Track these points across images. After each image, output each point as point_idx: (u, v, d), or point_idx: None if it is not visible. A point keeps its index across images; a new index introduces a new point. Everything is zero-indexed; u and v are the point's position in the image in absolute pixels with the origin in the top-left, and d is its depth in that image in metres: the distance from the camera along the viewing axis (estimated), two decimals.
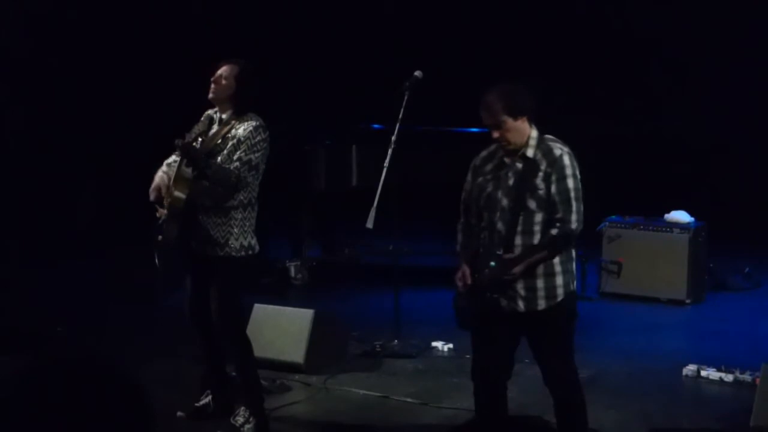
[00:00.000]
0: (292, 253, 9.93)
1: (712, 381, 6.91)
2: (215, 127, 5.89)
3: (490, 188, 5.05)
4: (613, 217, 9.36)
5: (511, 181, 5.00)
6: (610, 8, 12.07)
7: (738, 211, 10.98)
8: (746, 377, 6.79)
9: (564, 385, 5.17)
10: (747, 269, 9.82)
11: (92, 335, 7.79)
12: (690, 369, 7.02)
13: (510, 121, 4.95)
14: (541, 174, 4.95)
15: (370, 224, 6.92)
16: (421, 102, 7.33)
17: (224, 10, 12.48)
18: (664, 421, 6.27)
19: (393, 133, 7.22)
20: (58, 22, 11.36)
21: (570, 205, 4.94)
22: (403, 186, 7.51)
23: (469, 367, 7.09)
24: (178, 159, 5.88)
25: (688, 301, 9.02)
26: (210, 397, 6.17)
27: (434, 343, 7.67)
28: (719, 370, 6.93)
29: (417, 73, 7.28)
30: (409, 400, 6.57)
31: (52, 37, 11.29)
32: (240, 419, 5.95)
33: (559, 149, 5.00)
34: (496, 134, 4.98)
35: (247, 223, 5.85)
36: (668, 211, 9.28)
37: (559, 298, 5.03)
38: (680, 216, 9.19)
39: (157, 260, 5.90)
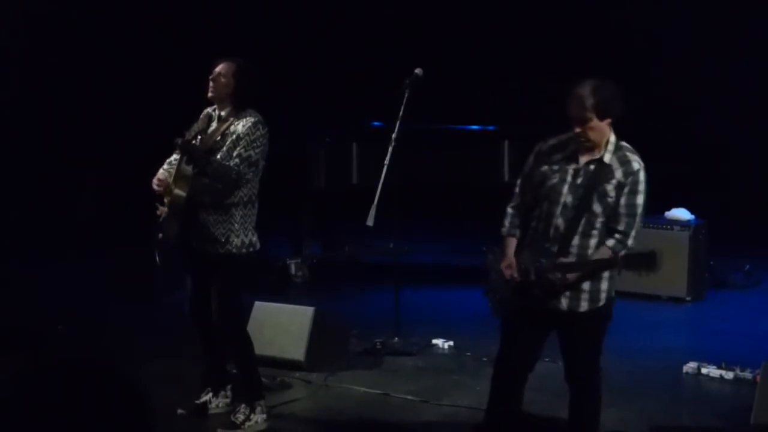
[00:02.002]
0: (293, 251, 9.93)
1: (713, 379, 6.91)
2: (214, 125, 5.89)
3: (555, 180, 4.95)
4: None
5: (579, 180, 4.91)
6: (610, 6, 12.07)
7: (738, 209, 10.98)
8: (747, 375, 6.79)
9: (585, 384, 5.14)
10: (747, 267, 9.82)
11: (93, 334, 7.79)
12: (690, 366, 7.02)
13: (595, 120, 4.86)
14: (614, 182, 4.88)
15: (370, 222, 6.93)
16: (422, 100, 7.32)
17: (224, 9, 12.47)
18: (665, 418, 6.27)
19: (393, 131, 7.22)
20: (58, 22, 11.36)
21: (634, 221, 4.90)
22: (404, 184, 7.50)
23: (469, 364, 7.16)
24: (178, 157, 5.90)
25: (688, 298, 9.03)
26: (210, 395, 6.18)
27: (434, 341, 7.67)
28: (720, 367, 6.93)
29: (417, 70, 7.27)
30: (409, 397, 6.57)
31: (52, 36, 11.29)
32: (240, 416, 5.96)
33: (638, 163, 4.93)
34: (578, 129, 4.88)
35: (248, 220, 5.85)
36: (669, 209, 9.28)
37: (601, 303, 4.99)
38: (681, 214, 9.20)
39: (157, 258, 5.92)
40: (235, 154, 5.71)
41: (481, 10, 12.38)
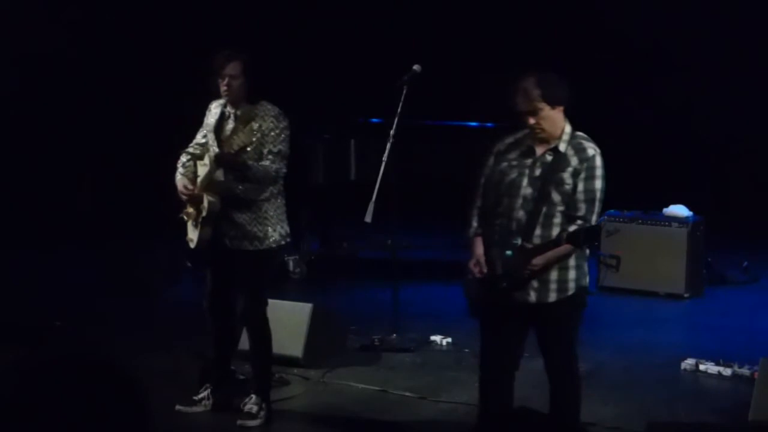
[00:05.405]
0: (291, 247, 9.91)
1: (711, 375, 6.91)
2: (230, 123, 5.91)
3: (513, 175, 5.04)
4: (612, 211, 9.35)
5: (537, 172, 5.00)
6: (610, 6, 12.06)
7: (736, 206, 10.98)
8: (744, 371, 6.79)
9: (563, 375, 5.20)
10: (745, 263, 9.82)
11: (91, 329, 7.78)
12: (688, 363, 7.02)
13: (547, 109, 4.95)
14: (570, 169, 4.95)
15: (368, 218, 6.93)
16: (421, 96, 7.32)
17: (222, 5, 12.46)
18: (663, 415, 6.27)
19: (392, 127, 7.22)
20: (58, 22, 11.35)
21: (593, 206, 4.97)
22: (402, 180, 7.50)
23: (467, 361, 7.14)
24: (190, 159, 5.94)
25: (686, 295, 9.03)
26: (208, 391, 6.18)
27: (433, 337, 7.67)
28: (717, 364, 6.93)
29: (415, 66, 7.27)
30: (407, 394, 6.58)
31: (53, 34, 11.28)
32: (254, 407, 5.98)
33: (593, 149, 5.01)
34: (531, 121, 4.96)
35: (280, 211, 6.00)
36: (667, 205, 9.28)
37: (570, 292, 5.04)
38: (679, 210, 9.19)
39: (189, 263, 5.99)
40: (266, 152, 5.78)
41: (481, 6, 12.37)
